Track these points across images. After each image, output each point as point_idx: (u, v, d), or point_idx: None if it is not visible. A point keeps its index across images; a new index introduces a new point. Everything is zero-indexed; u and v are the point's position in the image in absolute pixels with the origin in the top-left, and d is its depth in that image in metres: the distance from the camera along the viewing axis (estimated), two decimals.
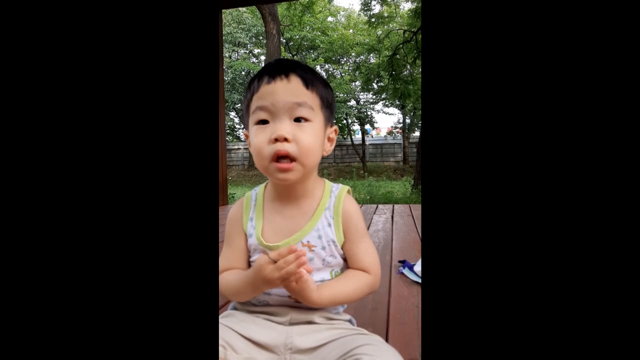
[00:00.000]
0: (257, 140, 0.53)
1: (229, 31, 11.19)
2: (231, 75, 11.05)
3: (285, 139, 0.51)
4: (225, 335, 0.53)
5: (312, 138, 0.54)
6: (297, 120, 0.53)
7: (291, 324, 0.56)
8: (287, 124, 0.52)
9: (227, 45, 11.13)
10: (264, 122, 0.53)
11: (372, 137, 13.29)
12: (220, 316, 0.59)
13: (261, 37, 11.23)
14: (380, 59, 9.41)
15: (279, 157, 0.52)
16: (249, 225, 0.59)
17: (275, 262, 0.49)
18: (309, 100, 0.54)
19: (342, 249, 0.58)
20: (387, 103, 11.77)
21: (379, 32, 9.48)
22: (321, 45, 11.13)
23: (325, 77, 12.09)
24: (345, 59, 12.25)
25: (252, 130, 0.55)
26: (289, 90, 0.53)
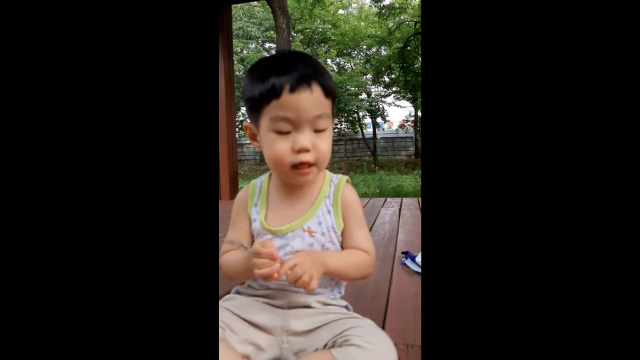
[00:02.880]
0: (278, 149, 0.54)
1: (240, 25, 11.19)
2: (243, 71, 11.08)
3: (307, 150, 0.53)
4: (225, 317, 0.56)
5: (328, 144, 0.57)
6: (316, 130, 0.54)
7: (289, 307, 0.58)
8: (308, 134, 0.54)
9: (237, 39, 11.13)
10: (284, 132, 0.53)
11: (383, 130, 13.15)
12: (221, 300, 0.62)
13: (272, 31, 11.20)
14: (391, 51, 9.25)
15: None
16: (254, 210, 0.62)
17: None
18: (327, 109, 0.55)
19: (341, 235, 0.60)
20: (398, 96, 11.60)
21: (390, 24, 9.31)
22: (332, 38, 11.01)
23: (336, 70, 11.95)
24: (356, 52, 12.09)
25: (269, 137, 0.55)
26: (312, 103, 0.53)
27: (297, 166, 0.54)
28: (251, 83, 0.56)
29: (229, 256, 0.62)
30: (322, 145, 0.55)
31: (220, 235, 0.61)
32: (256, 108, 0.56)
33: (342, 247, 0.62)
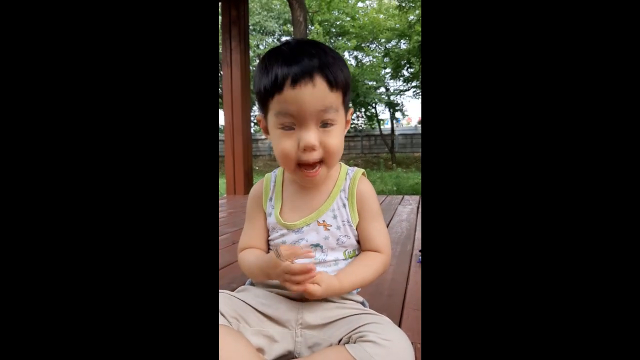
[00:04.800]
0: (284, 146, 0.52)
1: (257, 20, 11.23)
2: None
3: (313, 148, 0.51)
4: (239, 309, 0.56)
5: (338, 139, 0.54)
6: (323, 124, 0.52)
7: (303, 300, 0.58)
8: (314, 131, 0.51)
9: (254, 34, 11.18)
10: (289, 127, 0.52)
11: (402, 125, 12.95)
12: (236, 290, 0.62)
13: (289, 25, 11.19)
14: (411, 44, 9.06)
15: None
16: (269, 204, 0.62)
17: (282, 258, 0.50)
18: (334, 102, 0.52)
19: (356, 229, 0.59)
20: (418, 91, 11.34)
21: (411, 17, 9.09)
22: (351, 31, 10.86)
23: (354, 63, 11.82)
24: (375, 45, 11.90)
25: (274, 132, 0.53)
26: (315, 97, 0.50)
27: (304, 165, 0.52)
28: (258, 75, 0.54)
29: (247, 255, 0.62)
30: (331, 141, 0.52)
31: (236, 228, 0.62)
32: (263, 102, 0.54)
33: (359, 241, 0.61)
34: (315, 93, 0.50)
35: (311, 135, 0.50)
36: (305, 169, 0.53)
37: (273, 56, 0.53)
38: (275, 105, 0.51)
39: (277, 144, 0.53)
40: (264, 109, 0.55)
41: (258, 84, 0.54)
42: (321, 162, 0.53)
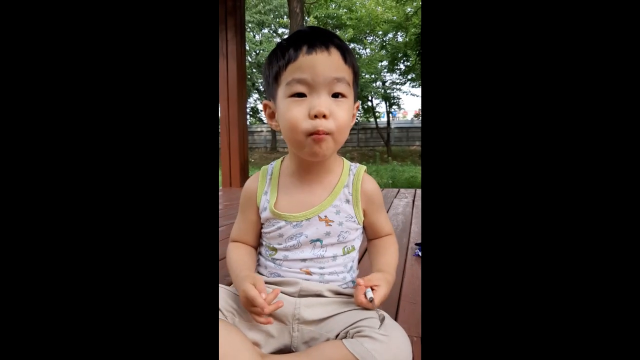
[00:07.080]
0: (293, 115, 0.50)
1: (255, 12, 11.06)
2: (255, 57, 11.00)
3: (324, 116, 0.50)
4: (235, 303, 0.55)
5: (347, 115, 0.53)
6: (334, 95, 0.51)
7: (300, 295, 0.57)
8: (325, 99, 0.50)
9: (250, 26, 11.03)
10: (300, 95, 0.51)
11: (398, 118, 12.94)
12: (232, 285, 0.62)
13: (285, 17, 11.03)
14: (408, 37, 9.00)
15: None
16: (263, 199, 0.60)
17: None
18: (347, 75, 0.52)
19: (363, 223, 0.60)
20: (414, 84, 11.30)
21: (408, 9, 9.01)
22: (348, 23, 10.75)
23: None
24: (372, 38, 11.80)
25: (284, 103, 0.52)
26: (329, 64, 0.50)
27: (313, 134, 0.50)
28: (272, 58, 0.54)
29: (232, 255, 0.61)
30: (340, 113, 0.51)
31: (232, 221, 0.62)
32: (275, 79, 0.54)
33: (365, 231, 0.63)
34: (330, 61, 0.51)
35: (323, 102, 0.50)
36: (314, 136, 0.50)
37: (288, 39, 0.54)
38: (288, 76, 0.51)
39: (285, 113, 0.51)
40: (275, 86, 0.54)
41: (269, 66, 0.55)
42: (330, 134, 0.51)
